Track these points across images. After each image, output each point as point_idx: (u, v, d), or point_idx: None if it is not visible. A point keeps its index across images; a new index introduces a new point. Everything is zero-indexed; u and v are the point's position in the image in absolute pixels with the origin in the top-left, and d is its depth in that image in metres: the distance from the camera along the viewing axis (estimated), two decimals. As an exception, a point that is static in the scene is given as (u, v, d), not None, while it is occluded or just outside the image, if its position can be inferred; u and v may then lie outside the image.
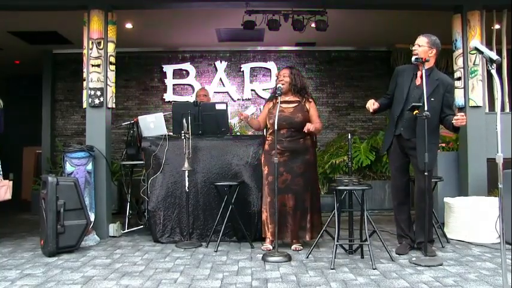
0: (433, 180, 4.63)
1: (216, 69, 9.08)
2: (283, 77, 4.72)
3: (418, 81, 4.32)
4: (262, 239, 4.79)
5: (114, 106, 5.61)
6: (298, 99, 4.72)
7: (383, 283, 3.40)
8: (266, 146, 4.81)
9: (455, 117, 4.07)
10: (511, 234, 4.46)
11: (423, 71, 4.10)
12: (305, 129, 4.51)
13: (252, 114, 8.87)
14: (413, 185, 4.52)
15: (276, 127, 4.24)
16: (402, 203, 4.50)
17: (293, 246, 4.58)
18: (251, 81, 9.05)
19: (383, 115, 8.76)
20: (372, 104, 4.40)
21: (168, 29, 7.74)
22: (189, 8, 6.22)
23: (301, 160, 4.65)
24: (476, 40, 5.32)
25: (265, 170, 4.74)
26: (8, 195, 5.11)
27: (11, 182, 5.19)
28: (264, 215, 4.73)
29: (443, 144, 6.49)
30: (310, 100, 4.77)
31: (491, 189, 5.42)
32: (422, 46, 4.29)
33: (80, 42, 5.55)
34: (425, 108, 3.96)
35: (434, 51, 4.30)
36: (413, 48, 4.33)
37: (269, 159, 4.66)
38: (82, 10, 5.48)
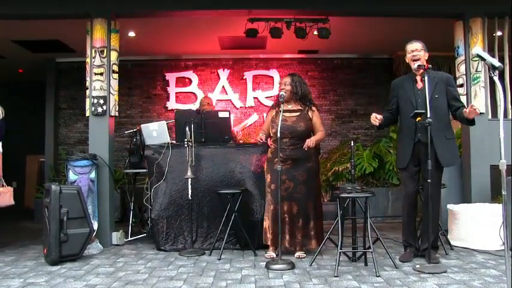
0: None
1: (219, 77, 9.09)
2: (285, 85, 4.71)
3: (419, 85, 4.35)
4: (266, 247, 4.77)
5: (117, 114, 5.62)
6: (300, 108, 4.73)
7: (387, 291, 3.40)
8: (269, 154, 4.82)
9: (466, 110, 4.11)
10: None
11: (426, 76, 4.12)
12: (305, 147, 4.49)
13: (255, 121, 8.89)
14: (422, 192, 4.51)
15: (278, 135, 4.24)
16: (410, 211, 4.46)
17: (296, 254, 4.57)
18: (254, 89, 9.06)
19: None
20: (375, 118, 4.39)
21: (170, 37, 7.77)
22: (191, 16, 6.24)
23: (303, 168, 4.65)
24: (478, 47, 5.31)
25: (268, 178, 4.74)
26: (12, 201, 5.14)
27: (12, 188, 5.20)
28: (266, 223, 4.72)
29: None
30: (313, 108, 4.77)
31: (495, 195, 5.40)
32: (421, 51, 4.35)
33: (83, 51, 5.59)
34: (428, 115, 3.97)
35: (427, 54, 4.39)
36: (412, 54, 4.35)
37: (271, 167, 4.66)
38: (85, 19, 5.51)
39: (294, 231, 4.63)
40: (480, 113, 5.45)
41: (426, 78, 4.11)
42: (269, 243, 4.66)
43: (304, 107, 4.73)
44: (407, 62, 4.46)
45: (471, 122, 4.29)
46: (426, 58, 4.36)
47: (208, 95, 8.63)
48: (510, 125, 5.27)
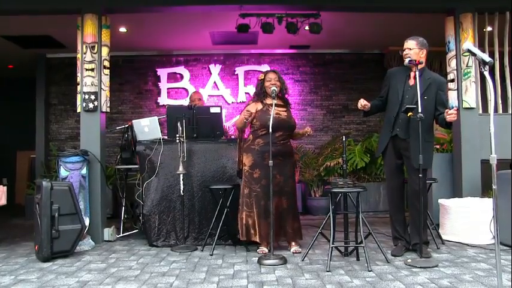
0: (427, 181, 4.63)
1: (210, 73, 9.08)
2: (276, 81, 4.69)
3: (411, 82, 4.36)
4: (258, 242, 4.75)
5: (108, 110, 5.59)
6: (283, 104, 4.78)
7: (379, 285, 3.41)
8: (257, 148, 4.66)
9: (447, 112, 4.10)
10: (505, 235, 4.48)
11: (417, 72, 4.14)
12: (310, 132, 4.69)
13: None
14: (407, 187, 4.54)
15: (270, 130, 4.21)
16: (397, 204, 4.52)
17: (293, 249, 4.59)
18: (245, 84, 9.05)
19: (377, 117, 8.80)
20: (361, 104, 4.41)
21: (162, 33, 7.74)
22: (183, 11, 6.22)
23: (290, 162, 4.72)
24: (469, 42, 5.34)
25: (256, 173, 4.63)
26: (3, 201, 5.11)
27: (5, 188, 5.17)
28: (251, 219, 4.61)
29: (438, 146, 6.51)
30: (290, 104, 4.91)
31: (485, 190, 5.45)
32: (413, 49, 4.33)
33: (74, 46, 5.55)
34: (419, 110, 3.99)
35: (424, 51, 4.36)
36: (404, 52, 4.37)
37: (260, 162, 4.61)
38: (76, 14, 5.47)
39: (284, 226, 4.64)
40: (471, 108, 5.53)
41: (418, 78, 4.11)
42: (256, 238, 4.60)
43: (285, 103, 4.79)
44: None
45: (449, 125, 4.33)
46: (423, 55, 4.33)
47: (199, 91, 8.62)
48: (500, 119, 5.31)
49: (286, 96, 4.86)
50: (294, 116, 4.95)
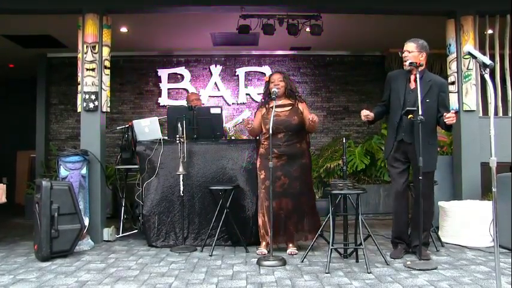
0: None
1: (211, 74, 9.08)
2: (279, 81, 4.72)
3: (412, 85, 4.35)
4: (257, 243, 4.78)
5: (108, 110, 5.60)
6: (291, 102, 4.75)
7: (378, 287, 3.41)
8: (262, 150, 4.78)
9: (446, 116, 4.10)
10: (504, 238, 4.47)
11: (417, 74, 4.13)
12: (312, 119, 4.47)
13: (248, 117, 8.88)
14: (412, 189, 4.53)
15: (270, 131, 4.23)
16: (401, 207, 4.49)
17: (288, 251, 4.58)
18: (246, 86, 9.05)
19: (378, 119, 8.80)
20: (365, 116, 4.40)
21: (163, 33, 7.74)
22: (184, 12, 6.22)
23: (298, 164, 4.67)
24: (469, 45, 5.37)
25: (262, 175, 4.72)
26: (3, 199, 5.12)
27: (5, 186, 5.18)
28: (261, 220, 4.72)
29: (438, 149, 6.51)
30: (302, 101, 4.83)
31: (485, 193, 5.44)
32: (412, 52, 4.31)
33: (75, 46, 5.55)
34: (420, 113, 3.98)
35: (424, 54, 4.33)
36: (403, 55, 4.36)
37: (266, 164, 4.62)
38: (77, 14, 5.47)
39: (289, 227, 4.65)
40: (471, 111, 5.53)
41: (418, 80, 4.11)
42: (267, 239, 4.63)
43: (294, 101, 4.77)
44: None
45: (449, 128, 4.31)
46: (422, 58, 4.30)
47: (200, 92, 8.63)
48: (500, 122, 5.31)
49: (297, 92, 4.87)
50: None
